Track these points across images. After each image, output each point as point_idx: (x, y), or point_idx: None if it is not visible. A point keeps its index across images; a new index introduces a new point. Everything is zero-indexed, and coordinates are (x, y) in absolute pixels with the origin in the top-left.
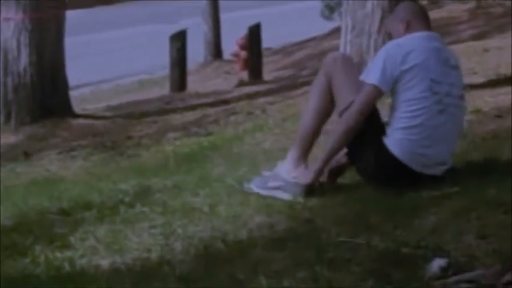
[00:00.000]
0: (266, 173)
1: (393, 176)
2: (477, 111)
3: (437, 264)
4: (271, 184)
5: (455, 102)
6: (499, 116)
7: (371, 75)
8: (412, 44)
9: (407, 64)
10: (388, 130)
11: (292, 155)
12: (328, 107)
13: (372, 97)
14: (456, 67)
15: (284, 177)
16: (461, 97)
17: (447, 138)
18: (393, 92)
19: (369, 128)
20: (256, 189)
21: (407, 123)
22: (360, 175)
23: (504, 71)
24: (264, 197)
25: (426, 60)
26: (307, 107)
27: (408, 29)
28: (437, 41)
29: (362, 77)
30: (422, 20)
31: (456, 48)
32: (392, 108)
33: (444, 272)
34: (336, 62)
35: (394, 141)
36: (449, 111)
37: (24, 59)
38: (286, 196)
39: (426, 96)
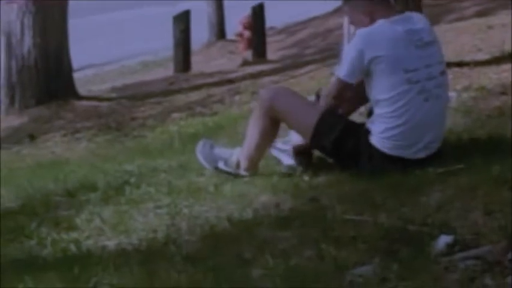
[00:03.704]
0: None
1: (383, 166)
2: (482, 88)
3: (443, 241)
4: (281, 146)
5: (438, 83)
6: (503, 93)
7: (340, 67)
8: (382, 35)
9: (377, 58)
10: (373, 127)
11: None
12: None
13: (338, 90)
14: (432, 42)
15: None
16: (443, 73)
17: (436, 122)
18: (369, 86)
19: (351, 136)
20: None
21: (393, 123)
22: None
23: (508, 47)
24: (270, 176)
25: (396, 50)
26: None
27: (372, 19)
28: (406, 22)
29: (336, 71)
30: (384, 5)
31: (460, 25)
32: (374, 104)
33: (450, 248)
34: (276, 94)
35: (380, 139)
36: (433, 95)
37: (28, 42)
38: (289, 161)
39: (405, 89)
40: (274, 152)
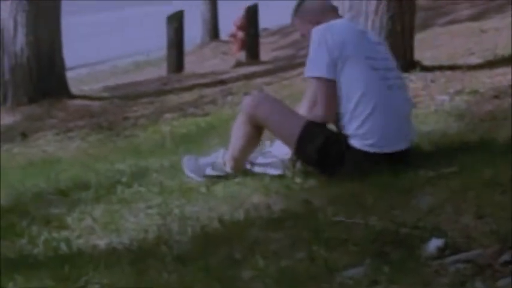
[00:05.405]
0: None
1: (368, 166)
2: (474, 92)
3: (434, 244)
4: (261, 161)
5: (396, 75)
6: (496, 97)
7: (313, 69)
8: (337, 25)
9: (339, 44)
10: (347, 129)
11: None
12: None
13: (327, 93)
14: (381, 43)
15: (275, 154)
16: (397, 67)
17: (403, 112)
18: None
19: (334, 143)
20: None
21: (362, 114)
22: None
23: (501, 51)
24: (261, 178)
25: (354, 38)
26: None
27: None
28: (355, 24)
29: (306, 74)
30: (330, 12)
31: (453, 28)
32: (342, 104)
33: (441, 252)
34: (260, 102)
35: (358, 138)
36: (396, 85)
37: (21, 40)
38: (277, 172)
39: (369, 75)
40: (256, 169)
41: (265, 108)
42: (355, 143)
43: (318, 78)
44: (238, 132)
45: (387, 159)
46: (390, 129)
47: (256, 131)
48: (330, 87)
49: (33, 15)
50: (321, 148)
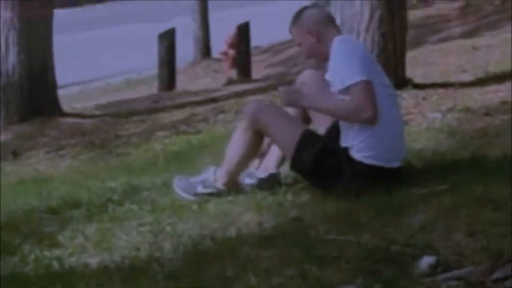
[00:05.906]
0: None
1: (367, 180)
2: (466, 109)
3: (426, 261)
4: (248, 181)
5: (395, 93)
6: (487, 114)
7: (352, 75)
8: (352, 38)
9: (363, 49)
10: (350, 141)
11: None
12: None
13: (369, 94)
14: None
15: (258, 175)
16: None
17: (402, 130)
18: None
19: (331, 154)
20: (182, 194)
21: (369, 128)
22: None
23: (493, 69)
24: (253, 195)
25: (366, 54)
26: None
27: (320, 38)
28: None
29: (339, 87)
30: (332, 24)
31: (446, 46)
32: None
33: (433, 269)
34: (263, 107)
35: (360, 150)
36: (396, 102)
37: (12, 58)
38: (264, 175)
39: (378, 91)
40: (247, 181)
41: (267, 113)
42: (356, 154)
43: (360, 82)
44: (236, 142)
45: (384, 174)
46: (391, 144)
47: (255, 139)
48: (371, 88)
49: (25, 33)
50: (318, 156)
